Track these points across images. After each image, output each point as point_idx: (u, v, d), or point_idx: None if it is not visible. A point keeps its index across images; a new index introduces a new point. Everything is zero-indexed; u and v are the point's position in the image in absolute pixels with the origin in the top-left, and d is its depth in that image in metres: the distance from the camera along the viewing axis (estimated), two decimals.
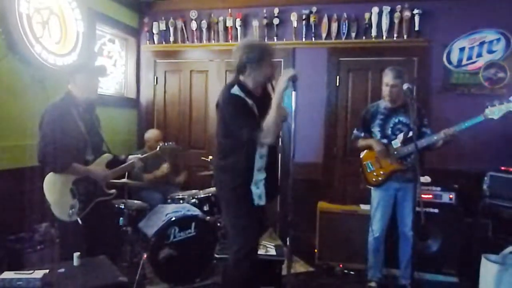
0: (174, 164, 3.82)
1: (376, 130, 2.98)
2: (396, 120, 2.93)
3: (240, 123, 2.12)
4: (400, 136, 2.87)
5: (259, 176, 2.21)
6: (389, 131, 2.94)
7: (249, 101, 2.15)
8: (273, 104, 2.06)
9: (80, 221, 2.31)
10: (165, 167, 3.78)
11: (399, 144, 2.88)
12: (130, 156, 2.81)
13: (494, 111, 2.60)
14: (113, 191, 2.60)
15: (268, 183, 2.23)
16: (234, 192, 2.23)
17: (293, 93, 2.02)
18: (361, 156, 3.09)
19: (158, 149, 3.05)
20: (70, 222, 2.32)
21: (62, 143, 2.30)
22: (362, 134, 3.06)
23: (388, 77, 2.87)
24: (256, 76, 2.18)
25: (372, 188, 3.03)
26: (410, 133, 2.79)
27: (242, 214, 2.23)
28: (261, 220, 2.40)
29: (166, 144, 3.10)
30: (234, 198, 2.25)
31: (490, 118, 2.61)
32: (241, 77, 2.21)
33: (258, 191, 2.21)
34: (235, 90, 2.15)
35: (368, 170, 3.02)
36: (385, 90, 2.89)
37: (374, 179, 2.98)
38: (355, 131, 3.14)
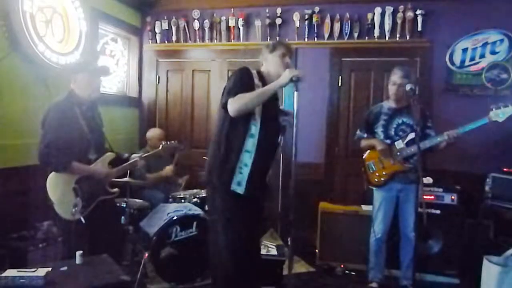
0: (176, 164, 3.81)
1: (379, 130, 2.98)
2: (400, 121, 2.92)
3: (231, 89, 2.05)
4: (403, 138, 2.87)
5: (246, 159, 2.05)
6: (392, 132, 2.94)
7: (257, 82, 2.12)
8: (265, 87, 2.07)
9: (83, 220, 2.31)
10: (169, 169, 3.76)
11: (402, 145, 2.87)
12: (133, 155, 2.82)
13: (499, 114, 2.59)
14: (115, 189, 2.61)
15: (253, 172, 2.05)
16: (221, 176, 2.09)
17: (296, 93, 2.00)
18: (363, 157, 3.09)
19: (160, 147, 3.05)
20: (72, 221, 2.32)
21: (63, 142, 2.30)
22: (365, 135, 3.06)
23: (396, 76, 2.87)
24: (269, 65, 2.22)
25: (374, 189, 3.03)
26: (413, 134, 2.79)
27: (228, 205, 2.08)
28: (257, 216, 2.28)
29: (168, 143, 3.10)
30: (220, 183, 2.10)
31: (494, 121, 2.61)
32: (261, 68, 2.27)
33: (239, 176, 2.04)
34: (252, 70, 2.18)
35: (371, 171, 3.02)
36: (392, 88, 2.90)
37: (376, 180, 2.98)
38: (358, 132, 3.14)
